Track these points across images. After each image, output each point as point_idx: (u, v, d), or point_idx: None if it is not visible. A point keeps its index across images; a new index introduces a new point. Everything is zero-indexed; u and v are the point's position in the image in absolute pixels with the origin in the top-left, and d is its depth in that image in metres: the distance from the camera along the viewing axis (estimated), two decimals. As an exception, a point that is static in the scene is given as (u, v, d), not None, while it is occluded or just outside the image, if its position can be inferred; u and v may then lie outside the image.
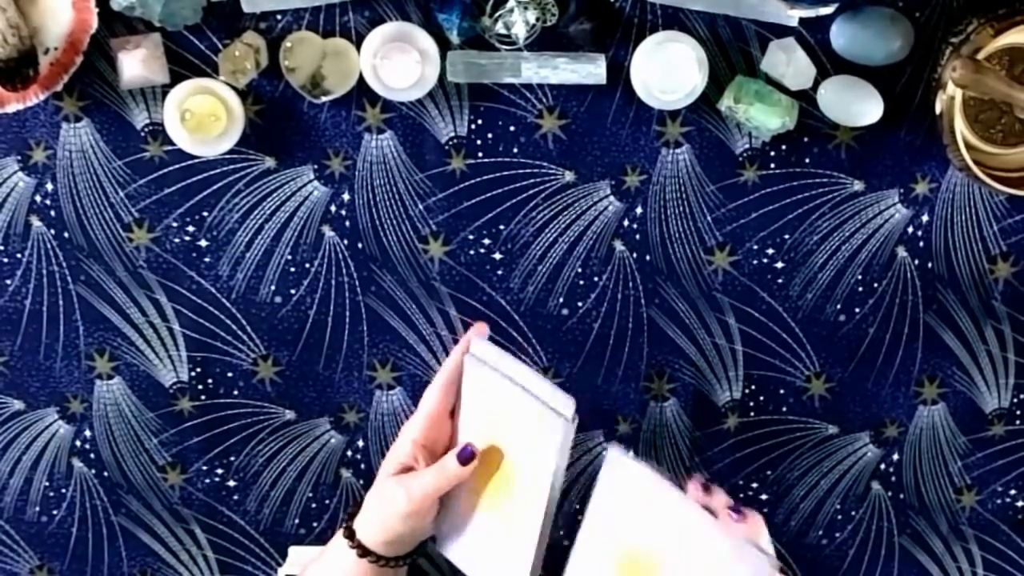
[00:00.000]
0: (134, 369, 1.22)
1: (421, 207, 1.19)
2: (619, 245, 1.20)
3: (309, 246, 1.20)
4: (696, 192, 1.19)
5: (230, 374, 1.22)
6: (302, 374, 1.22)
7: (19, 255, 1.20)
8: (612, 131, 1.18)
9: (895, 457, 1.24)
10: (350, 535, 1.11)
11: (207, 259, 1.20)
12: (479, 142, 1.18)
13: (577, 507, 1.20)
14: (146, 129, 1.18)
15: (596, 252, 1.20)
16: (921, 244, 1.20)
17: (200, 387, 1.22)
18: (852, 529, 1.26)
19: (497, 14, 1.14)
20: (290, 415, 1.23)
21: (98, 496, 1.24)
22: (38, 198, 1.19)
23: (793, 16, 1.14)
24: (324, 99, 1.16)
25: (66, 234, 1.20)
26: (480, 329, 1.14)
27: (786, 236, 1.20)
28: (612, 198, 1.19)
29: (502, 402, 1.09)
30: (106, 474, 1.24)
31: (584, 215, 1.19)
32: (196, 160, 1.18)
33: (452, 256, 1.20)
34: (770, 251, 1.20)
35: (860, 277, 1.21)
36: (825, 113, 1.16)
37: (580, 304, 1.21)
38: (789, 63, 1.15)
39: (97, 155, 1.18)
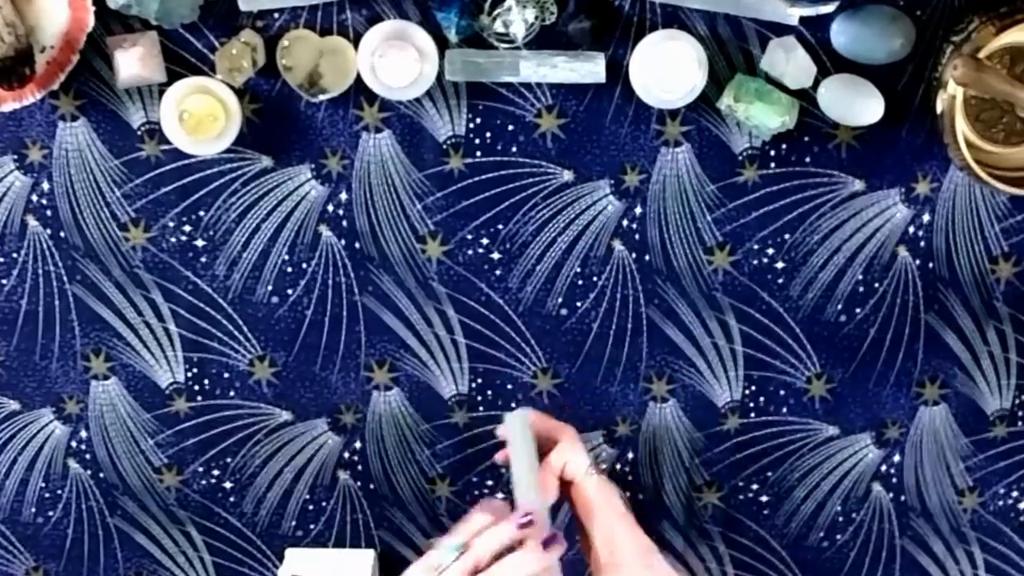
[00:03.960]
0: (130, 370, 1.21)
1: (419, 207, 1.19)
2: (618, 245, 1.19)
3: (306, 246, 1.19)
4: (696, 192, 1.19)
5: (226, 375, 1.21)
6: (299, 375, 1.22)
7: (15, 255, 1.20)
8: (611, 130, 1.17)
9: (896, 459, 1.24)
10: None
11: (203, 259, 1.19)
12: (477, 141, 1.18)
13: None
14: (142, 128, 1.17)
15: (595, 252, 1.20)
16: (922, 244, 1.20)
17: (196, 388, 1.22)
18: (853, 531, 1.25)
19: (495, 12, 1.14)
20: (287, 416, 1.23)
21: (94, 497, 1.24)
22: (34, 197, 1.19)
23: (793, 15, 1.14)
24: (321, 98, 1.15)
25: (62, 234, 1.19)
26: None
27: (786, 236, 1.19)
28: (611, 197, 1.19)
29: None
30: (102, 475, 1.23)
31: (583, 214, 1.19)
32: (192, 159, 1.18)
33: (450, 256, 1.20)
34: (770, 251, 1.19)
35: (861, 277, 1.20)
36: (825, 112, 1.16)
37: (579, 304, 1.20)
38: (789, 62, 1.14)
39: (93, 154, 1.18)
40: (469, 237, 1.19)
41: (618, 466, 1.24)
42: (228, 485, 1.24)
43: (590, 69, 1.15)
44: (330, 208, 1.19)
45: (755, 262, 1.20)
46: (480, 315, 1.20)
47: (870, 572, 1.26)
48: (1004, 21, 1.09)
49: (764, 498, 1.25)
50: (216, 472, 1.23)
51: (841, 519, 1.25)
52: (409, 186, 1.19)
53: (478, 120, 1.17)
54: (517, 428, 1.08)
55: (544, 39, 1.15)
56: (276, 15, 1.16)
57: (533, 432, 1.08)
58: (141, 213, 1.19)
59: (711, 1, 1.14)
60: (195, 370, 1.21)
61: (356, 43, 1.15)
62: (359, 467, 1.24)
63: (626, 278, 1.20)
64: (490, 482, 1.24)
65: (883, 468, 1.24)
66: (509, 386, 1.22)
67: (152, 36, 1.15)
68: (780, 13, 1.14)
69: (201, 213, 1.19)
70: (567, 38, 1.15)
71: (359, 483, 1.24)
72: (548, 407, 1.22)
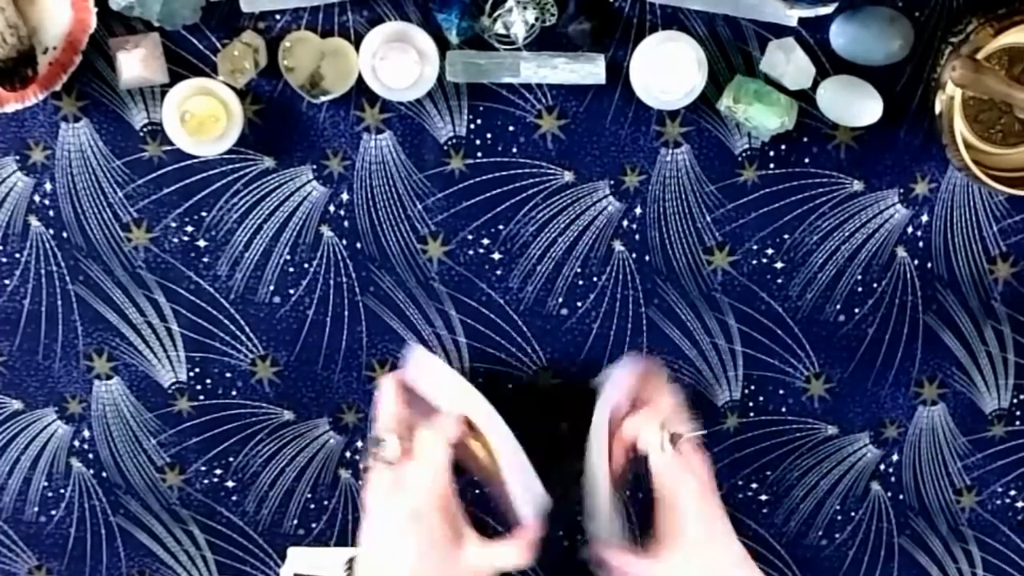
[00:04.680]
0: (133, 369, 1.22)
1: (420, 207, 1.19)
2: (618, 245, 1.20)
3: (308, 246, 1.20)
4: (695, 192, 1.19)
5: (229, 374, 1.22)
6: (301, 374, 1.22)
7: (17, 255, 1.20)
8: (611, 131, 1.18)
9: (895, 458, 1.24)
10: None
11: (205, 259, 1.20)
12: (478, 142, 1.18)
13: None
14: (145, 129, 1.18)
15: (595, 252, 1.20)
16: (921, 244, 1.20)
17: (199, 387, 1.22)
18: (852, 530, 1.26)
19: (496, 14, 1.14)
20: (289, 415, 1.23)
21: (96, 496, 1.24)
22: (37, 198, 1.19)
23: (792, 16, 1.14)
24: (323, 99, 1.15)
25: (65, 234, 1.20)
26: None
27: (785, 236, 1.20)
28: (611, 198, 1.19)
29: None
30: (104, 474, 1.24)
31: (583, 215, 1.19)
32: (195, 160, 1.18)
33: (451, 256, 1.20)
34: (770, 251, 1.20)
35: (860, 277, 1.21)
36: (824, 113, 1.16)
37: (579, 304, 1.21)
38: (788, 63, 1.15)
39: (96, 155, 1.18)
40: (470, 237, 1.20)
41: (618, 465, 1.24)
42: (230, 484, 1.24)
43: (590, 70, 1.16)
44: (331, 208, 1.19)
45: (754, 262, 1.20)
46: (481, 315, 1.21)
47: (868, 570, 1.26)
48: (1002, 22, 1.09)
49: (763, 497, 1.25)
50: (218, 471, 1.24)
51: (840, 518, 1.25)
52: (410, 187, 1.19)
53: (479, 121, 1.18)
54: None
55: (544, 40, 1.16)
56: (278, 17, 1.16)
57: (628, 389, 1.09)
58: (143, 213, 1.19)
59: (711, 2, 1.15)
60: (197, 370, 1.22)
61: (357, 44, 1.15)
62: (361, 466, 1.24)
63: (626, 278, 1.21)
64: (491, 481, 1.24)
65: (882, 467, 1.25)
66: (510, 385, 1.22)
67: (154, 37, 1.15)
68: (779, 14, 1.15)
69: (203, 213, 1.19)
70: (567, 39, 1.15)
71: (361, 482, 1.24)
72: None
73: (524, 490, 1.08)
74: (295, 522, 1.25)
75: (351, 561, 1.18)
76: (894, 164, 1.19)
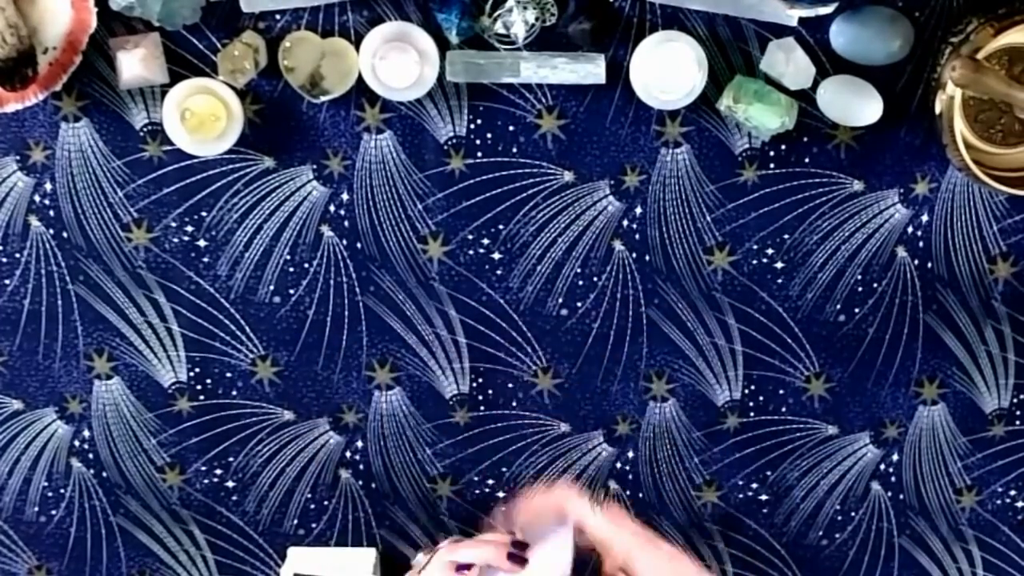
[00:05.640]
0: (133, 369, 1.22)
1: (420, 207, 1.19)
2: (618, 245, 1.20)
3: (308, 246, 1.20)
4: (695, 192, 1.19)
5: (229, 374, 1.22)
6: (301, 374, 1.22)
7: (18, 255, 1.20)
8: (611, 131, 1.18)
9: (895, 458, 1.24)
10: None
11: (206, 259, 1.20)
12: (478, 142, 1.18)
13: None
14: (145, 129, 1.18)
15: (595, 252, 1.20)
16: (921, 244, 1.20)
17: (199, 387, 1.22)
18: (852, 529, 1.26)
19: (496, 14, 1.14)
20: (289, 415, 1.23)
21: (96, 496, 1.24)
22: (37, 198, 1.19)
23: (792, 16, 1.14)
24: (323, 99, 1.15)
25: (65, 234, 1.20)
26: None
27: (786, 236, 1.20)
28: (611, 198, 1.19)
29: None
30: (105, 474, 1.24)
31: (583, 215, 1.19)
32: (195, 160, 1.18)
33: (451, 256, 1.20)
34: (770, 251, 1.20)
35: (860, 277, 1.21)
36: (825, 113, 1.16)
37: (579, 304, 1.21)
38: (788, 63, 1.15)
39: (96, 155, 1.18)
40: (470, 237, 1.20)
41: (618, 465, 1.24)
42: (230, 484, 1.24)
43: (590, 70, 1.16)
44: (332, 208, 1.19)
45: (754, 262, 1.20)
46: (481, 315, 1.21)
47: (869, 570, 1.26)
48: (1002, 22, 1.09)
49: (763, 497, 1.25)
50: (218, 471, 1.24)
51: (840, 518, 1.25)
52: (410, 186, 1.19)
53: (479, 121, 1.18)
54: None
55: (544, 40, 1.16)
56: (278, 16, 1.16)
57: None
58: (143, 213, 1.19)
59: (711, 2, 1.15)
60: (197, 370, 1.22)
61: (357, 44, 1.15)
62: (361, 466, 1.24)
63: (626, 278, 1.21)
64: (491, 481, 1.24)
65: (882, 467, 1.25)
66: (510, 385, 1.22)
67: (154, 37, 1.15)
68: (779, 14, 1.15)
69: (203, 213, 1.19)
70: (567, 39, 1.15)
71: (361, 482, 1.24)
72: (548, 404, 1.23)
73: None
74: (295, 522, 1.25)
75: None
76: (894, 164, 1.19)
